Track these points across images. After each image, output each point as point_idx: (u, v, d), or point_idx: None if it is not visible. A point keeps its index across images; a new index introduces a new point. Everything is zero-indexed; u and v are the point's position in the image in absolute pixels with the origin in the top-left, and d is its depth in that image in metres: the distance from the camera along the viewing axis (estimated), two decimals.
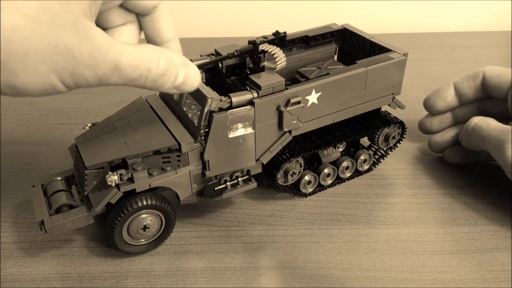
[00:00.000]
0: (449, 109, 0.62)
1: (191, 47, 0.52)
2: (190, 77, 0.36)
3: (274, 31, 0.52)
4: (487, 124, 0.54)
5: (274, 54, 0.48)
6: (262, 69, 0.49)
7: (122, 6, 0.35)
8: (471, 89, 0.60)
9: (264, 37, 0.52)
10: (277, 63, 0.48)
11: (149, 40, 0.37)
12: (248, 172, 0.50)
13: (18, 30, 0.27)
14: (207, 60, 0.50)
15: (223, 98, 0.45)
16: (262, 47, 0.48)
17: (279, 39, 0.51)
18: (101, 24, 0.35)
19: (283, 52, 0.49)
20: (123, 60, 0.31)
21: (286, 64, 0.49)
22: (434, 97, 0.61)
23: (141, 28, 0.37)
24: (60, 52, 0.28)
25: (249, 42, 0.49)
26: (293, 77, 0.58)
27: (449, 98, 0.61)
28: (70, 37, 0.28)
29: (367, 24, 0.70)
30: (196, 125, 0.46)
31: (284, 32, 0.51)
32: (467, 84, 0.60)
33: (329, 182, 0.58)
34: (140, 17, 0.36)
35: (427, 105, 0.62)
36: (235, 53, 0.49)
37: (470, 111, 0.61)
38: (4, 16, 0.26)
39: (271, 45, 0.48)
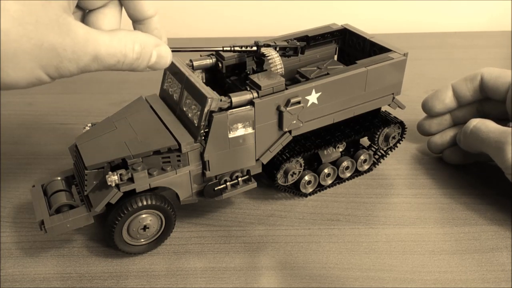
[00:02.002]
0: (448, 111, 0.62)
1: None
2: (163, 56, 0.37)
3: (274, 31, 0.52)
4: (485, 126, 0.53)
5: (270, 59, 0.49)
6: (265, 71, 0.49)
7: None
8: (469, 91, 0.60)
9: (268, 44, 0.50)
10: (272, 69, 0.49)
11: (131, 17, 0.38)
12: (248, 172, 0.50)
13: (6, 33, 0.28)
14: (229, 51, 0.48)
15: (223, 98, 0.45)
16: (263, 50, 0.48)
17: (258, 49, 0.49)
18: (84, 6, 0.36)
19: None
20: (102, 50, 0.33)
21: (283, 71, 0.49)
22: (433, 99, 0.61)
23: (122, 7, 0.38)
24: (45, 50, 0.30)
25: (255, 43, 0.49)
26: (293, 77, 0.58)
27: (448, 100, 0.60)
28: (53, 35, 0.30)
29: (367, 24, 0.70)
30: (196, 125, 0.46)
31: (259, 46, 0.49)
32: (465, 86, 0.60)
33: (329, 182, 0.58)
34: None
35: (425, 107, 0.62)
36: (232, 48, 0.47)
37: (468, 113, 0.61)
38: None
39: (272, 51, 0.49)
